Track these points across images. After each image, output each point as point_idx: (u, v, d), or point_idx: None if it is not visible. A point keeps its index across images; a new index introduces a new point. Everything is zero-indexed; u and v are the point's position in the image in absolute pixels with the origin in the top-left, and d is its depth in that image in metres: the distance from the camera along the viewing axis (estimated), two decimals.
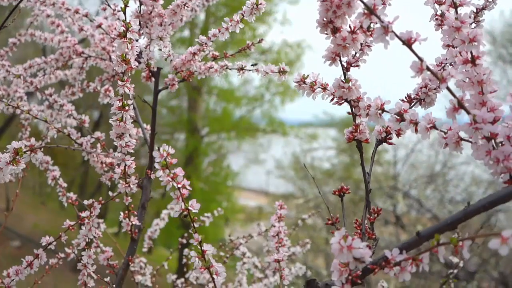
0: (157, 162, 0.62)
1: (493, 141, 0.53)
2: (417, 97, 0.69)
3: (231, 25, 0.90)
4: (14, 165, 0.68)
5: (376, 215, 0.64)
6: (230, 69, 0.97)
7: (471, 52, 0.54)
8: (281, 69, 0.83)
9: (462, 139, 0.55)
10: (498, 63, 9.24)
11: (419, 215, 6.80)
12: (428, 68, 0.51)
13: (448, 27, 0.54)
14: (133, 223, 0.98)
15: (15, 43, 1.33)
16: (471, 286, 5.29)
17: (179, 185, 0.63)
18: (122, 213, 0.97)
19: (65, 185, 1.11)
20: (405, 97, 0.69)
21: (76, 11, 1.10)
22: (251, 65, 0.95)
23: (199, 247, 0.66)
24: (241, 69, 0.96)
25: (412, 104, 0.69)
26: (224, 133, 11.91)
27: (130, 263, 1.00)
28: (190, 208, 0.64)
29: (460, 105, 0.52)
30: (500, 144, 0.53)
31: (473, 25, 0.72)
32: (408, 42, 0.51)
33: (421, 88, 0.69)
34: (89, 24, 1.19)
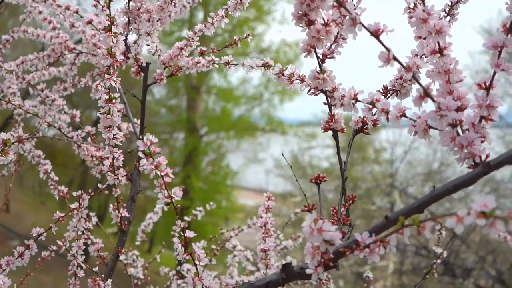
0: (141, 151, 0.64)
1: (459, 128, 0.55)
2: (393, 88, 0.71)
3: (216, 20, 0.93)
4: (3, 155, 0.70)
5: (351, 201, 0.66)
6: (217, 63, 0.99)
7: (438, 43, 0.56)
8: (265, 64, 0.86)
9: (430, 127, 0.57)
10: None
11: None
12: (395, 58, 0.53)
13: (416, 19, 0.56)
14: (123, 215, 1.00)
15: (8, 39, 1.35)
16: (468, 283, 5.32)
17: (163, 173, 0.65)
18: (111, 205, 0.99)
19: (56, 178, 1.14)
20: (382, 88, 0.71)
21: (67, 8, 1.13)
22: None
23: (182, 234, 0.68)
24: (227, 63, 0.98)
25: (388, 95, 0.71)
26: (223, 132, 11.93)
27: (119, 254, 1.02)
28: (173, 195, 0.66)
29: (425, 93, 0.54)
30: (466, 131, 0.55)
31: (448, 18, 0.74)
32: (376, 33, 0.53)
33: (396, 79, 0.71)
34: (81, 20, 1.22)
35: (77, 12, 1.14)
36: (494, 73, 0.55)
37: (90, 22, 1.08)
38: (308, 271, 0.57)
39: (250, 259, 1.40)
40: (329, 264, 0.57)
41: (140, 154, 0.65)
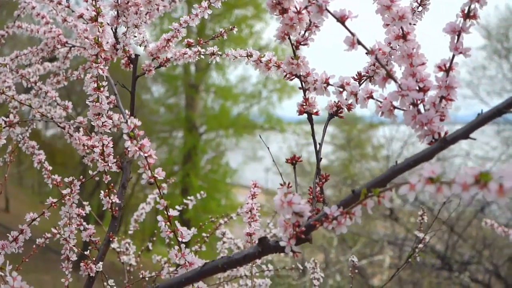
0: (125, 133, 0.68)
1: (421, 107, 0.59)
2: (367, 74, 0.75)
3: (200, 11, 0.96)
4: None
5: (324, 180, 0.70)
6: (203, 54, 1.03)
7: (401, 28, 0.60)
8: (249, 53, 0.89)
9: (395, 107, 0.61)
10: (494, 57, 9.29)
11: (414, 208, 6.87)
12: (359, 42, 0.57)
13: (381, 6, 0.60)
14: (114, 201, 1.04)
15: (3, 35, 1.39)
16: (464, 276, 5.36)
17: (146, 155, 0.69)
18: (102, 192, 1.03)
19: (50, 168, 1.17)
20: (356, 75, 0.75)
21: (59, 3, 1.16)
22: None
23: (166, 213, 0.72)
24: (212, 54, 1.02)
25: (362, 81, 0.75)
26: (222, 131, 11.97)
27: (111, 239, 1.05)
28: (156, 175, 0.70)
29: (388, 75, 0.58)
30: (427, 111, 0.59)
31: (420, 8, 0.78)
32: (341, 19, 0.57)
33: (370, 66, 0.74)
34: (73, 15, 1.25)
35: (68, 6, 1.18)
36: (453, 55, 0.59)
37: (81, 16, 1.11)
38: (281, 243, 0.61)
39: (240, 247, 1.44)
40: (301, 236, 0.61)
41: (125, 137, 0.68)
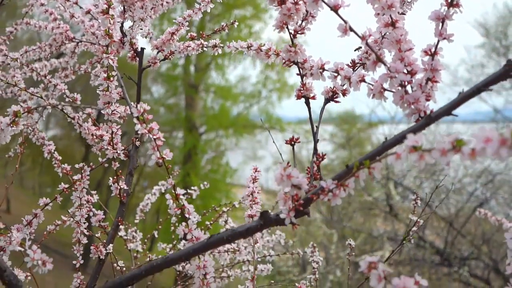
0: (135, 117, 0.73)
1: (409, 88, 0.64)
2: (360, 61, 0.80)
3: (203, 5, 1.02)
4: (14, 126, 0.79)
5: (321, 159, 0.76)
6: (205, 47, 1.08)
7: (390, 16, 0.65)
8: (249, 45, 0.94)
9: (385, 89, 0.66)
10: (492, 55, 9.35)
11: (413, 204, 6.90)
12: (351, 29, 0.62)
13: None
14: (122, 187, 1.09)
15: (12, 31, 1.44)
16: (463, 271, 5.42)
17: (155, 137, 0.74)
18: (111, 178, 1.08)
19: (60, 158, 1.22)
20: (350, 62, 0.80)
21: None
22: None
23: (174, 191, 0.77)
24: (214, 46, 1.07)
25: (356, 67, 0.80)
26: (222, 131, 12.02)
27: (119, 224, 1.11)
28: (164, 156, 0.75)
29: (378, 59, 0.63)
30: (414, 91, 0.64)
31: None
32: (335, 8, 0.62)
33: (363, 53, 0.80)
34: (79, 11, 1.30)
35: (76, 3, 1.23)
36: (438, 41, 0.64)
37: (88, 12, 1.17)
38: (281, 215, 0.66)
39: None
40: (300, 209, 0.66)
41: (135, 120, 0.74)
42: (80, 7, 1.23)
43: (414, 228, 1.22)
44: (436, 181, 7.25)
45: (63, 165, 1.19)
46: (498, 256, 5.99)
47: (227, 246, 1.29)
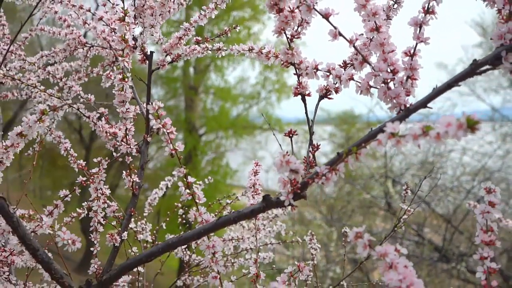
0: (151, 113, 0.82)
1: (392, 84, 0.74)
2: (351, 62, 0.89)
3: (208, 12, 1.11)
4: (40, 122, 0.88)
5: (316, 149, 0.85)
6: (210, 50, 1.18)
7: (375, 22, 0.75)
8: (250, 48, 1.04)
9: (371, 86, 0.76)
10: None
11: (412, 202, 7.00)
12: (340, 34, 0.72)
13: (358, 5, 0.75)
14: (134, 180, 1.18)
15: (27, 37, 1.53)
16: (460, 267, 5.50)
17: (168, 131, 0.83)
18: (124, 172, 1.18)
19: (75, 154, 1.32)
20: (342, 63, 0.90)
21: (81, 7, 1.31)
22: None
23: (185, 179, 0.86)
24: (218, 49, 1.17)
25: (347, 68, 0.90)
26: (222, 132, 12.10)
27: (132, 214, 1.20)
28: (176, 147, 0.84)
29: (364, 60, 0.73)
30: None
31: (395, 5, 0.92)
32: (326, 16, 0.72)
33: (353, 55, 0.89)
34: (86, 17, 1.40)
35: (89, 10, 1.32)
36: (416, 43, 0.73)
37: (101, 18, 1.26)
38: (281, 198, 0.76)
39: (244, 226, 1.58)
40: (297, 192, 0.75)
41: (150, 116, 0.83)
42: (93, 14, 1.32)
43: (405, 216, 1.31)
44: (434, 179, 7.35)
45: (78, 161, 1.28)
46: (495, 252, 6.08)
47: (232, 235, 1.38)
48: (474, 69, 0.65)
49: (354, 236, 0.61)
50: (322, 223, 6.71)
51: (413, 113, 0.69)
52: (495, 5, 0.68)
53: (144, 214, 1.62)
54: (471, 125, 0.48)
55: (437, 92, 0.67)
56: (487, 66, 0.66)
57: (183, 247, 1.56)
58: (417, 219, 6.77)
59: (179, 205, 1.64)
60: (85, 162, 1.27)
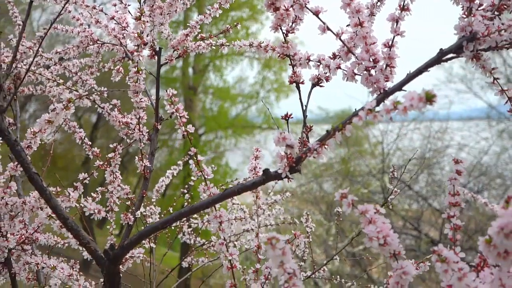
0: (165, 100, 0.94)
1: (373, 71, 0.86)
2: (339, 54, 1.01)
3: (212, 11, 1.23)
4: (67, 110, 1.00)
5: (309, 129, 0.97)
6: (213, 46, 1.30)
7: (358, 19, 0.87)
8: (250, 43, 1.16)
9: (355, 73, 0.88)
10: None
11: (409, 198, 7.16)
12: (328, 28, 0.84)
13: (343, 3, 0.87)
14: (145, 164, 1.30)
15: (42, 36, 1.65)
16: None
17: (181, 115, 0.95)
18: (136, 157, 1.30)
19: (89, 142, 1.43)
20: (332, 54, 1.02)
21: (93, 7, 1.43)
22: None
23: (195, 158, 0.98)
24: (222, 45, 1.29)
25: (336, 58, 1.01)
26: (221, 132, 12.21)
27: (144, 195, 1.32)
28: (188, 129, 0.96)
29: (349, 50, 0.85)
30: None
31: (378, 3, 1.04)
32: (316, 13, 0.84)
33: (341, 47, 1.01)
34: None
35: (101, 10, 1.44)
36: (394, 36, 0.85)
37: (112, 17, 1.38)
38: (279, 171, 0.88)
39: (245, 211, 1.70)
40: (293, 165, 0.87)
41: (165, 102, 0.95)
42: (105, 14, 1.44)
43: (392, 196, 1.43)
44: (431, 174, 7.49)
45: (93, 149, 1.40)
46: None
47: (234, 213, 1.50)
48: (440, 57, 0.78)
49: (339, 196, 0.73)
50: (321, 218, 6.84)
51: (390, 96, 0.81)
52: (460, 3, 0.80)
53: (152, 200, 1.74)
54: (429, 98, 0.60)
55: (410, 77, 0.79)
56: (452, 54, 0.78)
57: (189, 229, 1.68)
58: (415, 214, 6.90)
59: (185, 191, 1.76)
60: (115, 143, 1.37)
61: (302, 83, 0.98)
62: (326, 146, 0.82)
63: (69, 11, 1.55)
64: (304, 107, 0.99)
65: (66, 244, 1.35)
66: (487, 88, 9.20)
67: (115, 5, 1.42)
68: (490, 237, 0.59)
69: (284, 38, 0.94)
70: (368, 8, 1.00)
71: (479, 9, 0.80)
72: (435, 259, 0.66)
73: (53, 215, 1.03)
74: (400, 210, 6.40)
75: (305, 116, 0.98)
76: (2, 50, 1.61)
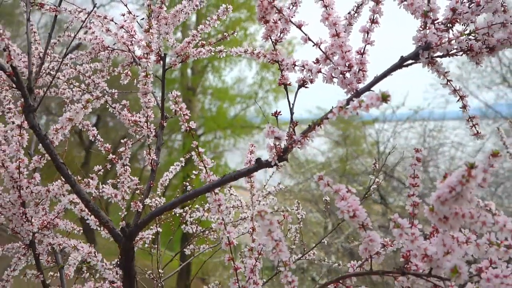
0: (171, 100, 1.10)
1: (348, 74, 1.01)
2: (320, 60, 1.17)
3: (211, 22, 1.39)
4: (85, 109, 1.16)
5: (295, 124, 1.13)
6: (213, 52, 1.46)
7: (335, 30, 1.03)
8: (245, 50, 1.31)
9: (333, 76, 1.03)
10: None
11: (404, 195, 7.32)
12: (309, 39, 0.99)
13: (322, 17, 1.02)
14: (153, 158, 1.46)
15: (55, 43, 1.81)
16: None
17: (184, 113, 1.11)
18: (144, 151, 1.45)
19: (102, 140, 1.59)
20: (315, 59, 1.17)
21: (105, 17, 1.58)
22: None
23: (197, 150, 1.14)
24: (220, 51, 1.44)
25: (318, 63, 1.17)
26: (220, 132, 12.36)
27: (151, 186, 1.47)
28: (190, 125, 1.12)
29: (326, 57, 1.01)
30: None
31: (355, 14, 1.20)
32: (299, 26, 1.00)
33: (322, 54, 1.17)
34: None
35: (112, 20, 1.60)
36: (365, 45, 1.01)
37: (122, 27, 1.54)
38: (269, 159, 1.03)
39: (243, 202, 1.85)
40: (280, 155, 1.03)
41: (171, 102, 1.11)
42: (115, 23, 1.59)
43: (374, 186, 1.59)
44: (426, 172, 7.65)
45: (105, 145, 1.56)
46: None
47: (232, 203, 1.66)
48: (401, 62, 0.93)
49: (317, 178, 0.89)
50: (318, 215, 7.00)
51: (361, 95, 0.97)
52: (418, 18, 0.96)
53: (157, 192, 1.90)
54: (384, 98, 0.76)
55: (376, 80, 0.95)
56: (411, 61, 0.94)
57: (192, 218, 1.84)
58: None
59: (188, 183, 1.91)
60: (125, 139, 1.51)
61: (290, 84, 1.13)
62: (308, 138, 0.98)
63: (82, 21, 1.71)
64: (291, 105, 1.15)
65: (81, 231, 1.50)
66: (483, 88, 9.37)
67: (123, 15, 1.57)
68: (432, 206, 0.74)
69: (274, 46, 1.10)
70: (346, 19, 1.16)
71: (435, 21, 0.96)
72: (392, 225, 0.81)
73: (74, 201, 1.19)
74: (395, 207, 6.56)
75: (292, 112, 1.14)
76: (20, 56, 1.76)
